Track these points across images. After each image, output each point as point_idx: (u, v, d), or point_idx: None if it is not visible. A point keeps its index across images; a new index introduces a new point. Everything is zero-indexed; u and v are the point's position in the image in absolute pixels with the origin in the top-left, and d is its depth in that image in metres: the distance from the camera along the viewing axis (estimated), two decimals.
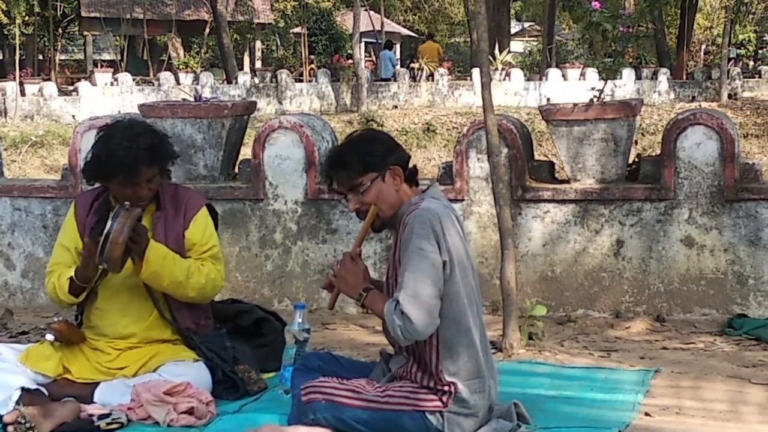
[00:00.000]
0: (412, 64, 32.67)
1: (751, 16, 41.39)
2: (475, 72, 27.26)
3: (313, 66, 35.05)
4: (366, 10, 37.11)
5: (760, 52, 40.66)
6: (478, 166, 7.13)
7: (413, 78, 30.30)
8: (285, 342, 4.95)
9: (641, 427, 4.55)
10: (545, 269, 7.14)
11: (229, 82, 30.67)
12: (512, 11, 43.53)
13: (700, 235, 6.86)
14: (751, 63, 37.74)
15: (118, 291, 4.95)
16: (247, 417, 4.64)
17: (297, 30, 41.56)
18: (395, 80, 30.07)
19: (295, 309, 4.91)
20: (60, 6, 39.94)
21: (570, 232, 7.06)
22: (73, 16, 41.48)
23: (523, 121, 8.20)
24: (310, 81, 31.32)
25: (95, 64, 35.56)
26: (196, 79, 29.64)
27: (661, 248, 6.92)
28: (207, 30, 38.87)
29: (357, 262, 4.31)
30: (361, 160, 4.19)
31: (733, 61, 33.68)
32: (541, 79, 29.65)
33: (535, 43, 44.99)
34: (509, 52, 32.42)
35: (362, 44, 33.30)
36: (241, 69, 35.29)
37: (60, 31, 42.64)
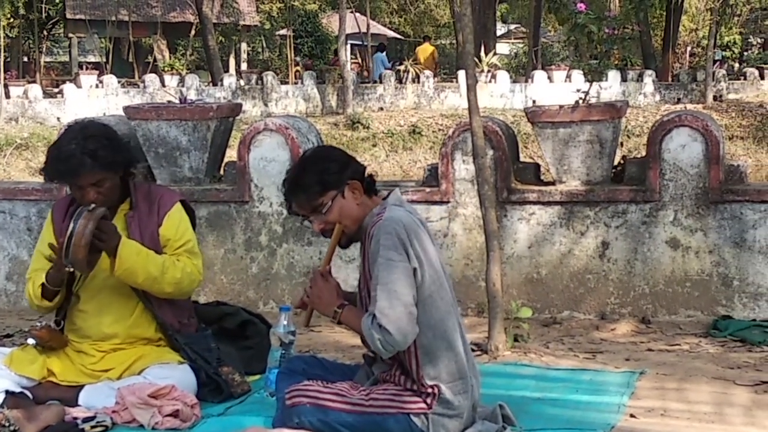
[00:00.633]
0: (398, 66, 32.65)
1: (736, 18, 41.50)
2: (461, 74, 27.22)
3: (298, 68, 35.02)
4: (352, 12, 37.09)
5: (745, 54, 40.77)
6: (463, 168, 7.13)
7: (399, 80, 30.29)
8: (270, 344, 4.93)
9: (626, 429, 4.55)
10: (531, 271, 7.14)
11: (215, 84, 30.64)
12: (498, 13, 43.57)
13: (685, 236, 6.87)
14: (737, 65, 37.83)
15: (99, 291, 4.93)
16: (232, 420, 4.63)
17: (283, 32, 41.56)
18: (381, 82, 30.06)
19: (281, 311, 4.91)
20: (45, 8, 39.85)
21: (555, 233, 7.07)
22: (58, 18, 41.42)
23: (509, 123, 8.21)
24: (295, 83, 31.30)
25: (80, 67, 35.36)
26: (182, 81, 29.58)
27: (646, 250, 6.93)
28: (192, 32, 38.82)
29: (328, 280, 4.30)
30: (319, 180, 4.17)
31: (718, 63, 33.77)
32: (526, 81, 29.71)
33: (521, 45, 45.07)
34: (495, 54, 32.46)
35: (348, 46, 33.30)
36: (227, 71, 35.25)
37: (45, 33, 42.56)
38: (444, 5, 48.16)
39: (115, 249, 4.73)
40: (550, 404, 4.92)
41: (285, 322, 4.84)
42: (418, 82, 29.71)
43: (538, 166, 7.61)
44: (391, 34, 47.23)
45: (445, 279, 4.18)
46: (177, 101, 8.08)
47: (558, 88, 26.91)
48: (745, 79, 30.54)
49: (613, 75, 27.99)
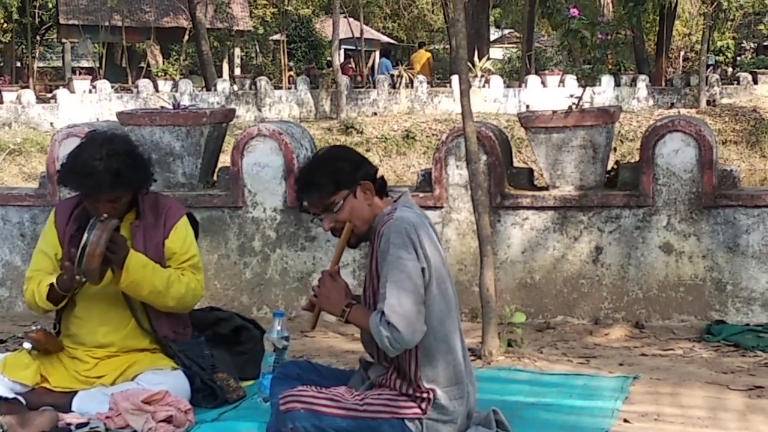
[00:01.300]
0: (392, 71, 32.66)
1: (729, 23, 41.54)
2: (455, 79, 27.29)
3: (292, 73, 35.01)
4: (345, 17, 37.05)
5: (738, 58, 40.86)
6: (457, 173, 7.13)
7: (393, 85, 30.29)
8: (264, 350, 4.94)
9: None
10: (524, 276, 7.14)
11: (208, 90, 30.60)
12: (491, 18, 43.58)
13: (679, 241, 6.88)
14: (730, 70, 37.84)
15: (96, 300, 4.93)
16: (225, 425, 4.64)
17: (276, 37, 41.50)
18: (374, 87, 30.07)
19: (274, 317, 4.91)
20: (38, 13, 39.80)
21: (549, 238, 7.07)
22: (51, 23, 41.35)
23: (503, 128, 8.23)
24: (289, 88, 31.28)
25: (74, 72, 35.36)
26: (175, 86, 29.57)
27: (639, 255, 6.94)
28: (186, 37, 38.78)
29: (337, 280, 4.31)
30: (332, 179, 4.18)
31: (711, 67, 33.79)
32: (520, 86, 29.70)
33: (514, 50, 45.09)
34: (488, 59, 32.50)
35: (341, 51, 33.30)
36: (220, 76, 35.18)
37: (38, 38, 42.50)
38: (437, 10, 48.15)
39: (123, 260, 4.73)
40: (544, 409, 4.92)
41: (279, 328, 4.85)
42: (412, 87, 29.70)
43: (531, 171, 7.62)
44: (385, 39, 47.26)
45: (449, 282, 4.19)
46: (170, 106, 8.08)
47: (551, 93, 26.90)
48: (738, 83, 30.58)
49: (607, 80, 28.01)
